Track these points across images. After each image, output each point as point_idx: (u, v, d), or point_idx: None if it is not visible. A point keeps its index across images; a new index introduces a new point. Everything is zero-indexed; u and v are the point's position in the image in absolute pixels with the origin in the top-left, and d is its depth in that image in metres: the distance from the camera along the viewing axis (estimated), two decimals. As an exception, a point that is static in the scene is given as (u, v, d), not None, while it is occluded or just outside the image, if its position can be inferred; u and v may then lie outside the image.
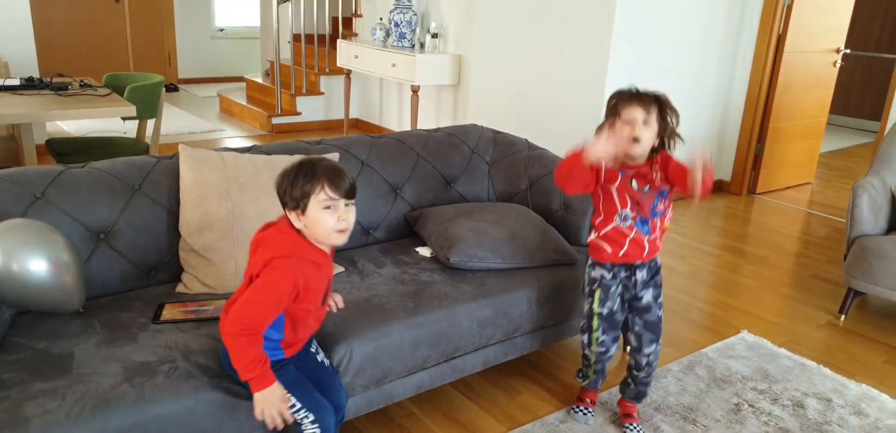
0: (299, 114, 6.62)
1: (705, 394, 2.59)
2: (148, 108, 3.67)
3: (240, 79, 8.17)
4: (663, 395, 2.57)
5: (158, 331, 1.94)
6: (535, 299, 2.44)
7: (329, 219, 1.62)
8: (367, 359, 2.02)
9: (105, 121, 5.59)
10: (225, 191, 2.26)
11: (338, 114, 6.77)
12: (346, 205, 1.64)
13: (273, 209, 2.14)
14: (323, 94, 6.77)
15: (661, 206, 2.10)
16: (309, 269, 1.65)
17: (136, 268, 2.24)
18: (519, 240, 2.56)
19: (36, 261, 1.88)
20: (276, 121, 6.48)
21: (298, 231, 1.66)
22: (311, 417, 1.73)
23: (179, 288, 2.22)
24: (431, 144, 2.99)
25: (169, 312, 2.04)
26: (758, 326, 3.19)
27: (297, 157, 1.77)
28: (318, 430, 1.73)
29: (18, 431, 1.50)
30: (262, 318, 1.60)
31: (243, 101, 7.24)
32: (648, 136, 2.01)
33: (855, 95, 8.56)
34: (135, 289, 2.23)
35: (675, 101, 2.12)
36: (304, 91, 6.66)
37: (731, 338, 3.05)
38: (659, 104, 2.02)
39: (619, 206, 2.08)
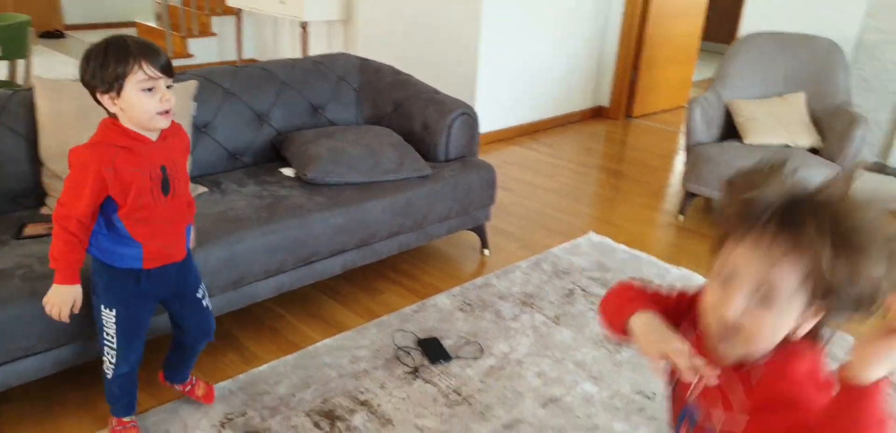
0: (191, 56, 6.58)
1: (546, 284, 2.92)
2: (15, 48, 3.69)
3: (130, 23, 8.00)
4: (508, 286, 2.88)
5: (19, 244, 2.09)
6: (390, 208, 2.69)
7: (150, 102, 1.54)
8: (222, 262, 2.22)
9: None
10: (82, 118, 2.39)
11: (231, 55, 6.77)
12: (168, 85, 1.58)
13: None
14: (215, 34, 6.75)
15: None
16: (117, 153, 1.56)
17: (1, 195, 2.35)
18: (376, 157, 2.79)
19: None
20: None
21: (113, 116, 1.58)
22: (112, 357, 1.78)
23: (43, 210, 2.36)
24: (297, 72, 3.16)
25: (31, 229, 2.19)
26: (605, 229, 3.55)
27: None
28: (110, 369, 1.79)
29: None
30: (69, 207, 1.56)
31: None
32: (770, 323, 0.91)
33: (730, 22, 9.09)
34: (2, 214, 2.35)
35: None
36: (195, 33, 6.62)
37: (578, 238, 3.39)
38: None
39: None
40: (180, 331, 1.95)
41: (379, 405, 2.15)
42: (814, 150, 3.59)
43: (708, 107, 3.69)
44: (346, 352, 2.40)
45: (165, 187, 1.66)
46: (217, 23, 6.75)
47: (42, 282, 1.89)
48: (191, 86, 2.69)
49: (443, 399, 2.19)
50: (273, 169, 2.86)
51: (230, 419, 2.05)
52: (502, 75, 4.83)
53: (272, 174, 2.79)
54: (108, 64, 1.51)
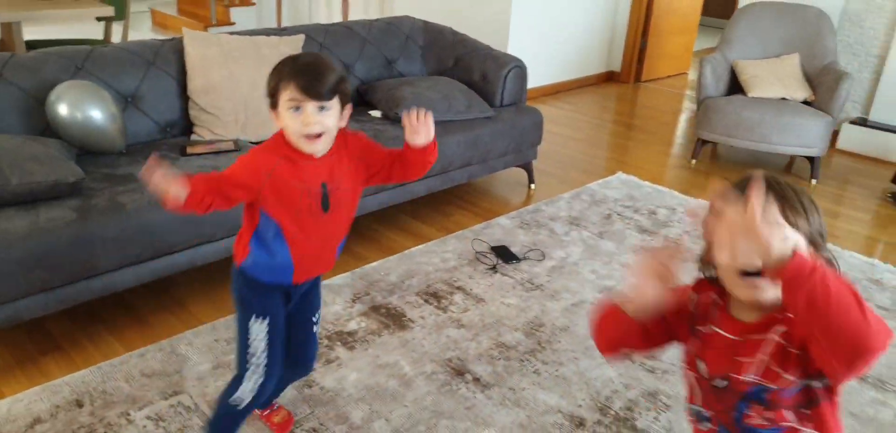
0: (233, 24, 7.07)
1: (587, 210, 3.51)
2: (119, 9, 4.19)
3: (166, -8, 8.44)
4: (556, 211, 3.46)
5: (188, 160, 2.63)
6: (463, 142, 3.25)
7: (293, 122, 1.48)
8: (344, 178, 2.78)
9: (72, 28, 5.92)
10: (223, 62, 2.93)
11: (269, 22, 7.26)
12: (321, 108, 1.47)
13: (262, 77, 2.85)
14: (254, 3, 7.24)
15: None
16: (280, 163, 1.52)
17: (157, 125, 2.89)
18: (449, 100, 3.34)
19: (93, 111, 2.52)
20: (212, 32, 6.91)
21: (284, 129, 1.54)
22: (259, 376, 1.68)
23: (194, 136, 2.90)
24: (374, 31, 3.70)
25: (192, 149, 2.73)
26: (630, 170, 4.13)
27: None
28: (249, 394, 1.68)
29: (119, 213, 2.20)
30: (227, 177, 1.53)
31: (175, 13, 7.61)
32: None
33: (730, -1, 9.70)
34: (156, 141, 2.88)
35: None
36: (237, 1, 7.10)
37: (609, 177, 3.98)
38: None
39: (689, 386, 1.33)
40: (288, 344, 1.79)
41: (471, 289, 2.72)
42: (807, 103, 4.18)
43: (716, 65, 4.28)
44: (436, 255, 2.98)
45: (325, 204, 1.57)
46: (255, -9, 7.23)
47: (225, 183, 2.45)
48: (299, 39, 3.22)
49: (520, 287, 2.77)
50: (361, 112, 3.40)
51: (358, 298, 2.62)
52: (531, 40, 5.39)
53: (363, 115, 3.34)
54: (271, 78, 1.51)
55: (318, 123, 1.47)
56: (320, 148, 1.51)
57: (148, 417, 1.93)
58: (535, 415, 2.04)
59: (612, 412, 2.08)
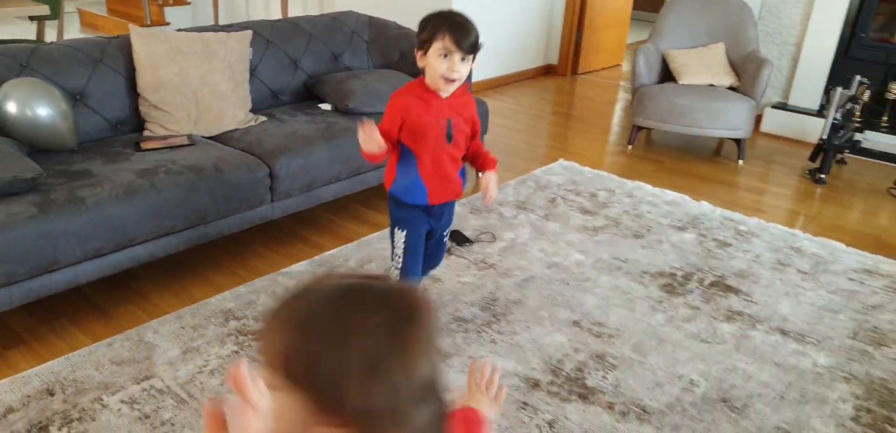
0: (168, 24, 6.97)
1: (533, 195, 3.66)
2: (53, 9, 4.13)
3: (95, -6, 8.23)
4: (504, 197, 3.61)
5: (144, 155, 2.66)
6: (411, 132, 3.35)
7: (440, 65, 1.83)
8: (300, 169, 2.85)
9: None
10: (172, 58, 2.95)
11: (206, 20, 7.18)
12: (462, 59, 1.84)
13: (211, 72, 2.92)
14: (189, 3, 7.15)
15: None
16: (414, 102, 1.92)
17: (107, 122, 2.89)
18: (396, 92, 3.43)
19: (44, 108, 2.52)
20: (156, 30, 6.80)
21: (422, 70, 1.93)
22: (400, 268, 2.16)
23: (146, 132, 2.91)
24: (320, 26, 3.76)
25: (146, 145, 2.75)
26: (571, 157, 4.31)
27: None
28: (399, 271, 2.16)
29: (79, 207, 2.22)
30: (385, 130, 1.93)
31: (105, 14, 7.44)
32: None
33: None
34: (107, 138, 2.88)
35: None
36: (171, 1, 7.01)
37: (551, 164, 4.15)
38: None
39: None
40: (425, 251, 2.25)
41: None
42: (732, 88, 4.45)
43: (649, 55, 4.51)
44: (391, 241, 3.07)
45: (449, 135, 1.98)
46: (190, -8, 7.14)
47: (181, 175, 2.49)
48: (247, 35, 3.26)
49: (474, 266, 2.89)
50: (310, 106, 3.47)
51: (318, 283, 2.69)
52: (469, 35, 5.53)
53: (312, 108, 3.40)
54: (427, 27, 1.86)
55: (459, 71, 1.85)
56: (451, 89, 1.92)
57: (122, 401, 1.97)
58: (494, 381, 2.16)
59: (564, 373, 2.22)
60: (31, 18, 4.13)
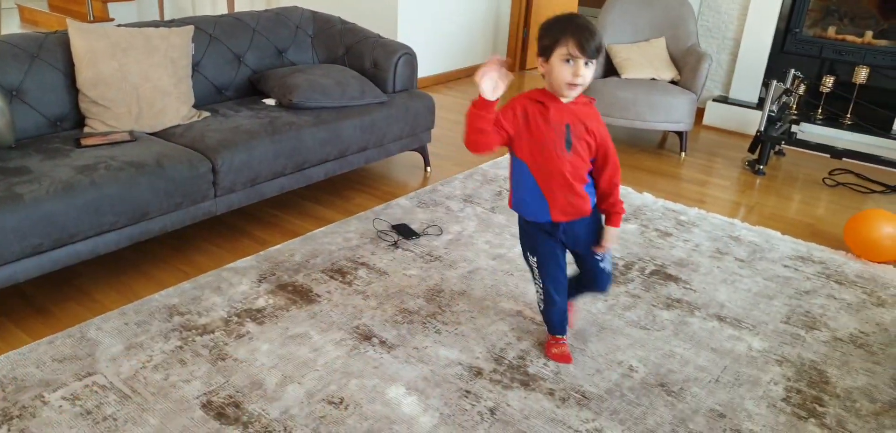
0: (112, 19, 6.82)
1: (480, 188, 3.72)
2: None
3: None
4: (451, 191, 3.65)
5: (84, 151, 2.62)
6: (360, 127, 3.37)
7: (564, 71, 1.79)
8: (243, 164, 2.84)
9: None
10: (112, 54, 2.91)
11: (151, 16, 7.05)
12: (586, 63, 1.79)
13: (153, 68, 2.90)
14: (134, -1, 7.01)
15: None
16: (532, 106, 1.89)
17: (46, 119, 2.84)
18: (343, 86, 3.45)
19: (-21, 105, 2.46)
20: (96, 25, 6.62)
21: (543, 76, 1.88)
22: (541, 295, 2.18)
23: (86, 129, 2.87)
24: (263, 21, 3.75)
25: (86, 141, 2.71)
26: (518, 149, 4.38)
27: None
28: (541, 303, 2.20)
29: (17, 204, 2.18)
30: (500, 113, 1.88)
31: (46, 10, 7.24)
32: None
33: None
34: (46, 135, 2.83)
35: None
36: (114, -4, 6.86)
37: (498, 158, 4.21)
38: None
39: None
40: (581, 272, 2.24)
41: (374, 264, 2.85)
42: (674, 82, 4.58)
43: (593, 50, 4.60)
44: (338, 235, 3.09)
45: (568, 143, 1.90)
46: (135, -14, 6.99)
47: (122, 171, 2.47)
48: (189, 30, 3.23)
49: (420, 259, 2.93)
50: (254, 101, 3.45)
51: (264, 278, 2.69)
52: (419, 30, 5.56)
53: (256, 103, 3.39)
54: (549, 33, 1.81)
55: (583, 75, 1.80)
56: (574, 94, 1.87)
57: (63, 398, 1.94)
58: (437, 369, 2.20)
59: (507, 361, 2.27)
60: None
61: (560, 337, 2.29)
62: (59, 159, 2.51)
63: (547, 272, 2.11)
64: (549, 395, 2.12)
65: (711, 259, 3.09)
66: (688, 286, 2.84)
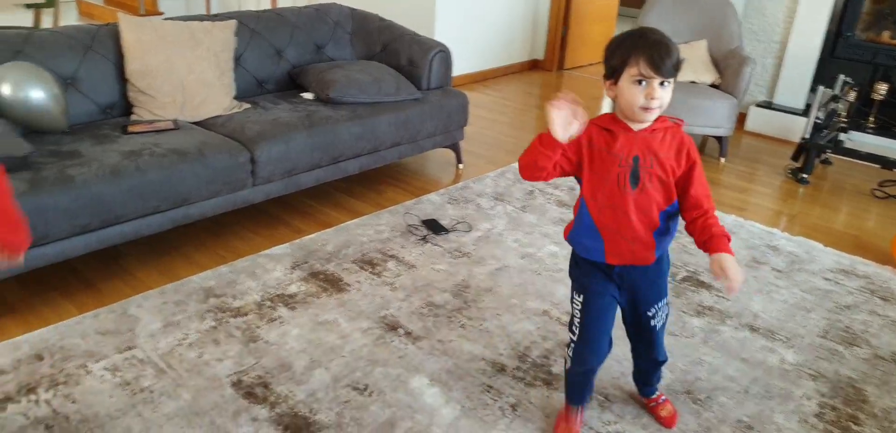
0: (162, 13, 7.04)
1: (511, 187, 3.76)
2: (49, -1, 4.22)
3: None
4: (483, 188, 3.70)
5: (130, 138, 2.74)
6: (394, 122, 3.44)
7: (635, 94, 1.56)
8: (281, 154, 2.94)
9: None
10: (159, 46, 3.03)
11: (199, 9, 7.25)
12: (662, 84, 1.55)
13: (197, 60, 3.01)
14: (183, -8, 7.23)
15: None
16: (598, 132, 1.64)
17: (97, 106, 2.98)
18: (379, 83, 3.52)
19: (37, 91, 2.60)
20: (144, 19, 6.87)
21: (613, 100, 1.63)
22: (571, 350, 1.84)
23: (133, 117, 3.00)
24: (304, 17, 3.84)
25: (133, 129, 2.83)
26: (553, 149, 4.40)
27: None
28: (569, 361, 1.87)
29: (68, 185, 2.31)
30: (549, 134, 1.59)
31: (102, 3, 7.51)
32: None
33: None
34: (97, 121, 2.97)
35: None
36: (165, -11, 7.08)
37: (533, 155, 4.24)
38: None
39: None
40: (634, 342, 1.97)
41: (403, 257, 2.92)
42: (714, 86, 4.54)
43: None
44: (370, 227, 3.16)
45: (634, 179, 1.64)
46: (185, -20, 7.21)
47: (165, 158, 2.58)
48: (232, 24, 3.34)
49: (448, 255, 2.98)
50: (293, 94, 3.55)
51: (297, 265, 2.78)
52: (456, 28, 5.62)
53: (295, 97, 3.49)
54: (617, 52, 1.58)
55: (659, 97, 1.56)
56: (651, 118, 1.61)
57: (105, 369, 2.07)
58: (461, 362, 2.26)
59: (530, 359, 2.31)
60: (28, 6, 4.20)
61: (574, 408, 1.98)
62: (107, 144, 2.63)
63: (588, 317, 1.80)
64: (569, 392, 2.15)
65: (747, 268, 3.03)
66: (720, 294, 2.79)
